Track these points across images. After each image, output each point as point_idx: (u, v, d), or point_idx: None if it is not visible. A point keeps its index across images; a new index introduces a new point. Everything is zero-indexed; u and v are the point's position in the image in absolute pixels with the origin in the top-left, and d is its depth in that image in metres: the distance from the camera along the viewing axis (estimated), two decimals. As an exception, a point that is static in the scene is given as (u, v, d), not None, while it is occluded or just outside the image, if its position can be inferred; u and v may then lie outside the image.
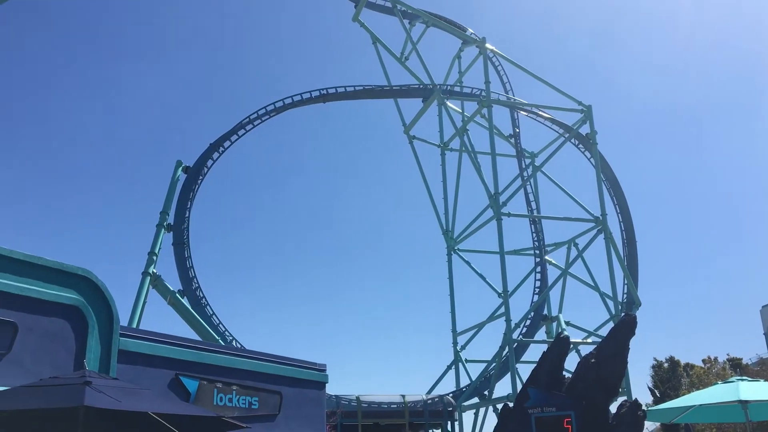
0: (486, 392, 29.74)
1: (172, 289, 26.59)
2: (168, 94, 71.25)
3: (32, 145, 65.43)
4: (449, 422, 28.56)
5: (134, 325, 23.36)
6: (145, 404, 6.00)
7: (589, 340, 28.37)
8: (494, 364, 29.07)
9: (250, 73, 74.46)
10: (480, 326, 32.04)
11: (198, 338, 23.82)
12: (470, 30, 35.44)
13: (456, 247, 33.96)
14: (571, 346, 20.41)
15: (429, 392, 30.59)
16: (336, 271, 74.10)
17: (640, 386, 46.44)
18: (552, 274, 32.77)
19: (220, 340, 26.16)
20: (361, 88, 33.95)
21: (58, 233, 63.97)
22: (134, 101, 69.22)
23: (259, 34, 73.79)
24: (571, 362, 20.83)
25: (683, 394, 17.55)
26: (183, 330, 25.38)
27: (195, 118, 73.08)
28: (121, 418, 6.09)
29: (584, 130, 32.56)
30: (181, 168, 29.98)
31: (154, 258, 26.67)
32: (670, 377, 34.11)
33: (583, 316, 60.20)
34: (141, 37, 70.84)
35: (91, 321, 9.64)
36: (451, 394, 30.36)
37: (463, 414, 29.19)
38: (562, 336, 17.85)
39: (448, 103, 33.17)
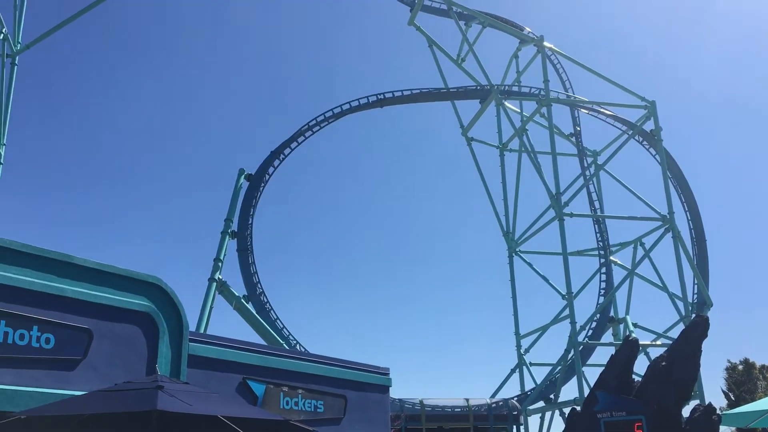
0: (551, 396, 29.24)
1: (237, 294, 27.18)
2: (230, 102, 72.81)
3: (100, 153, 67.90)
4: (514, 426, 28.21)
5: (202, 330, 23.95)
6: (215, 408, 6.12)
7: (658, 343, 27.57)
8: (559, 368, 28.55)
9: (308, 80, 75.43)
10: (544, 329, 31.54)
11: (263, 342, 24.26)
12: (527, 29, 35.01)
13: (517, 249, 33.53)
14: (640, 348, 19.82)
15: (493, 396, 30.28)
16: (398, 275, 74.23)
17: (713, 390, 44.95)
18: (618, 274, 32.01)
19: (285, 344, 26.55)
20: (418, 91, 33.98)
21: (127, 240, 66.15)
22: (197, 110, 71.07)
23: (316, 41, 74.72)
24: (640, 365, 20.29)
25: (759, 398, 16.87)
26: (248, 334, 25.90)
27: (256, 126, 74.47)
28: (191, 422, 6.23)
29: (648, 126, 31.72)
30: (243, 176, 30.67)
31: (220, 264, 27.32)
32: (745, 380, 32.91)
33: (652, 318, 58.59)
34: (201, 46, 72.71)
35: (161, 327, 9.91)
36: (515, 398, 29.99)
37: (529, 418, 28.78)
38: (630, 338, 17.39)
39: (507, 104, 32.82)
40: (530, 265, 33.11)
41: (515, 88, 34.39)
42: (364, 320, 70.74)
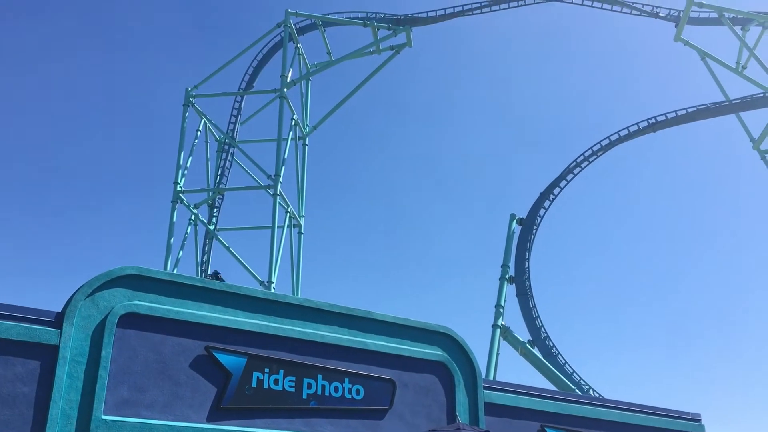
0: None
1: (522, 339, 27.03)
2: (500, 150, 74.16)
3: (390, 217, 73.01)
4: None
5: (490, 377, 24.18)
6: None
7: None
8: None
9: (573, 113, 73.96)
10: None
11: (553, 388, 23.66)
12: (820, 18, 30.64)
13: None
14: None
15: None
16: (703, 310, 67.75)
17: None
18: None
19: (576, 389, 25.61)
20: (694, 108, 31.38)
21: (413, 294, 69.78)
22: (467, 162, 73.42)
23: (577, 71, 73.23)
24: None
25: None
26: (536, 380, 25.51)
27: (524, 169, 74.63)
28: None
29: None
30: (515, 220, 30.83)
31: (501, 310, 27.50)
32: None
33: None
34: (463, 110, 75.37)
35: (456, 375, 10.20)
36: None
37: None
38: None
39: (805, 107, 28.83)
40: None
41: (813, 89, 30.09)
42: (665, 360, 65.26)
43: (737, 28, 30.96)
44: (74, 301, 8.06)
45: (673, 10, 31.84)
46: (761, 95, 30.24)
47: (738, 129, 32.83)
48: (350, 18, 31.32)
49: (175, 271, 25.42)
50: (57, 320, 7.80)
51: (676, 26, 31.89)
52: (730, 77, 31.45)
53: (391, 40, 30.33)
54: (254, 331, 9.06)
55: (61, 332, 7.76)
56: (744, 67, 30.78)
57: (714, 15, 31.35)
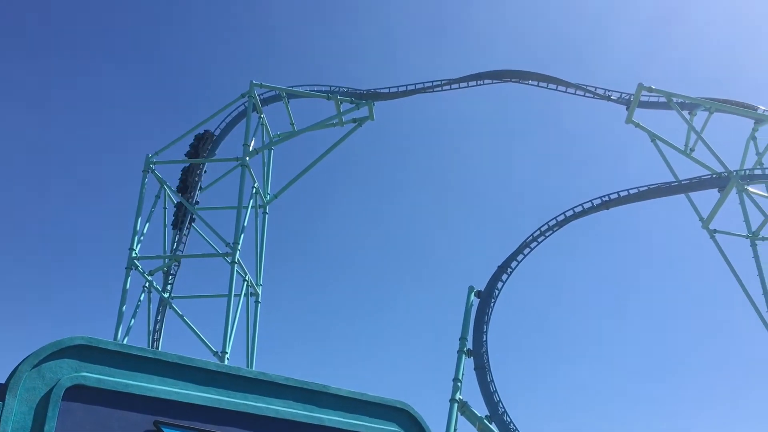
0: None
1: (479, 414, 26.69)
2: (454, 225, 75.05)
3: (335, 292, 72.57)
4: None
5: (448, 454, 23.65)
6: None
7: None
8: None
9: (530, 188, 75.64)
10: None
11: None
12: (762, 107, 32.38)
13: (790, 349, 29.35)
14: None
15: None
16: (655, 383, 68.11)
17: None
18: None
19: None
20: (646, 188, 32.44)
21: (371, 366, 68.75)
22: (422, 230, 74.00)
23: (533, 148, 75.32)
24: None
25: None
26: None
27: (481, 242, 75.46)
28: None
29: None
30: (473, 293, 30.93)
31: (459, 384, 27.21)
32: None
33: None
34: (408, 180, 76.52)
35: (413, 452, 9.98)
36: None
37: None
38: None
39: (750, 189, 30.04)
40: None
41: (758, 171, 31.48)
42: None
43: (685, 113, 32.45)
44: (19, 372, 7.73)
45: (625, 93, 33.28)
46: (709, 177, 31.47)
47: (688, 208, 33.93)
48: (314, 91, 31.91)
49: (125, 340, 24.68)
50: (0, 392, 7.46)
51: (627, 109, 33.27)
52: (680, 158, 32.76)
53: (353, 113, 30.92)
54: (206, 406, 8.76)
55: (3, 405, 7.40)
56: (692, 150, 32.11)
57: (663, 99, 32.85)
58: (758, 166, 32.08)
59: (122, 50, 65.53)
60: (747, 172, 31.34)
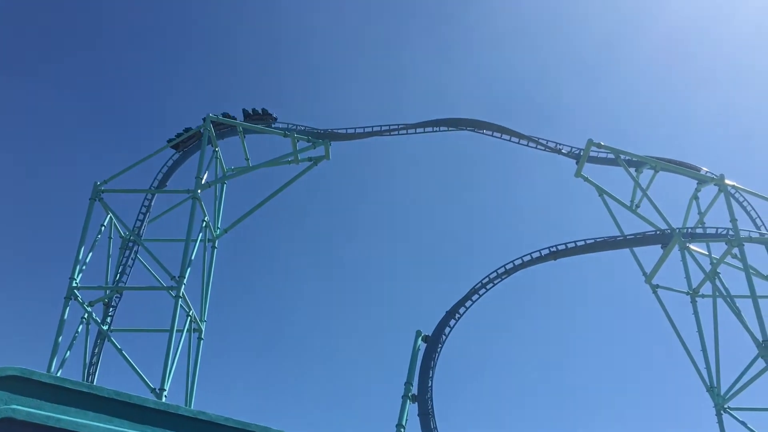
0: None
1: (421, 462, 26.36)
2: (403, 268, 75.11)
3: (275, 329, 71.48)
4: None
5: (387, 502, 23.17)
6: None
7: None
8: None
9: (478, 240, 76.46)
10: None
11: None
12: (705, 168, 33.63)
13: (726, 406, 29.96)
14: None
15: None
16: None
17: None
18: None
19: None
20: (593, 240, 33.14)
21: (314, 408, 67.49)
22: (372, 276, 73.83)
23: (484, 197, 76.41)
24: None
25: None
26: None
27: (430, 287, 75.66)
28: None
29: None
30: (420, 337, 30.79)
31: (402, 430, 26.84)
32: None
33: None
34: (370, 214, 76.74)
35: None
36: None
37: None
38: None
39: (692, 247, 30.97)
40: (744, 424, 29.31)
41: (700, 230, 32.54)
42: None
43: (632, 170, 33.46)
44: (-57, 403, 7.31)
45: (575, 148, 34.17)
46: (653, 233, 32.35)
47: (632, 262, 34.75)
48: (271, 128, 31.85)
49: (59, 373, 23.68)
50: None
51: (576, 163, 34.11)
52: (626, 214, 33.62)
53: (309, 152, 30.89)
54: (141, 444, 8.41)
55: (-76, 438, 6.97)
56: (637, 206, 33.02)
57: (611, 156, 33.83)
58: (700, 225, 33.15)
59: (70, 74, 64.58)
60: (689, 230, 32.34)
